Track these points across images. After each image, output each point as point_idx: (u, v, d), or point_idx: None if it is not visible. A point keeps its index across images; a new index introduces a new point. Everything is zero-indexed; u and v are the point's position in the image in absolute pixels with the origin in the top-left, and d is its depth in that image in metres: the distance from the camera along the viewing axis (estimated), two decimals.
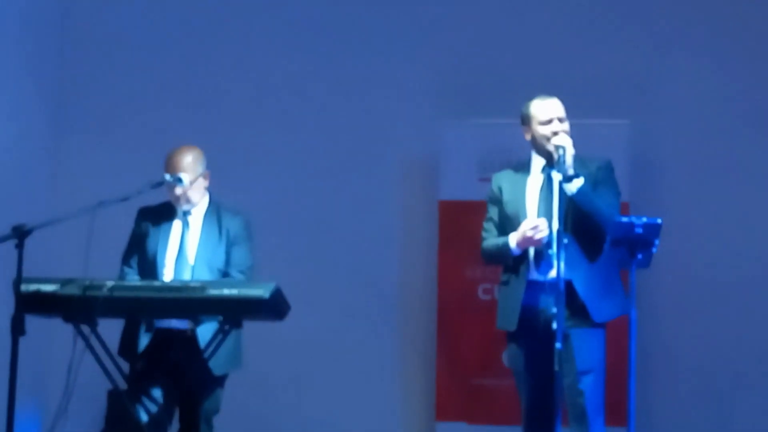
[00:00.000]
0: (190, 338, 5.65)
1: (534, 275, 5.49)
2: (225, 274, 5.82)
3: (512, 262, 5.56)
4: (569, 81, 7.33)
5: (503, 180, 5.72)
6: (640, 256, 5.30)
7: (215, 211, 5.90)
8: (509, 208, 5.62)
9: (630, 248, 5.29)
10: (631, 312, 5.32)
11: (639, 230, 5.25)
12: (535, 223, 5.40)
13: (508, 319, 5.56)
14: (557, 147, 5.44)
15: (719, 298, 7.36)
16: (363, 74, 7.78)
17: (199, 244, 5.83)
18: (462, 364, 7.24)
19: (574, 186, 5.39)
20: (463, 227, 7.22)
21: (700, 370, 7.36)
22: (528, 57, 7.63)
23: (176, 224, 5.87)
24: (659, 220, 5.27)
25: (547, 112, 5.60)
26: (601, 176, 5.53)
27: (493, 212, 5.72)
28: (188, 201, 5.82)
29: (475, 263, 7.19)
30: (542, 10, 7.70)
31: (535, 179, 5.59)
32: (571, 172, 5.38)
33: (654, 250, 5.32)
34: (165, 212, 5.91)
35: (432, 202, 7.47)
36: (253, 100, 7.81)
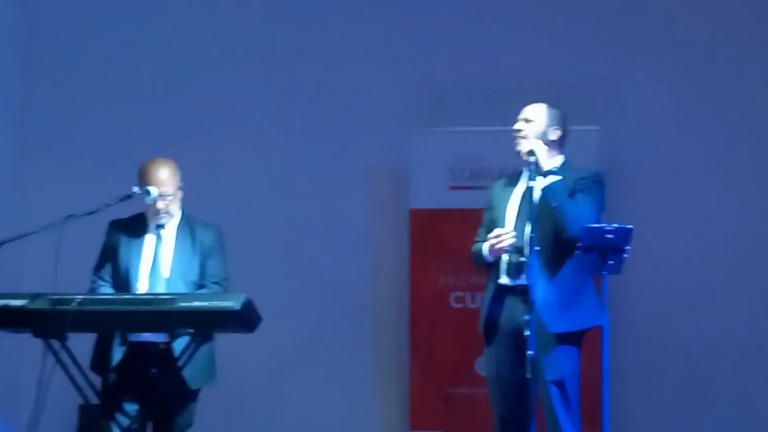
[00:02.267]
0: (164, 352, 5.61)
1: (504, 280, 5.52)
2: (200, 286, 5.80)
3: (490, 268, 5.60)
4: (539, 88, 7.31)
5: (496, 187, 5.81)
6: (611, 262, 5.31)
7: (188, 224, 5.88)
8: (494, 215, 5.67)
9: (601, 254, 5.30)
10: (604, 318, 5.32)
11: (610, 236, 5.25)
12: (499, 232, 5.44)
13: (480, 322, 5.61)
14: (528, 152, 5.47)
15: (691, 303, 7.39)
16: (332, 84, 7.76)
17: (173, 257, 5.81)
18: (436, 373, 7.22)
19: (546, 182, 5.43)
20: (435, 235, 7.24)
21: (674, 375, 7.38)
22: (497, 65, 7.64)
23: (149, 237, 5.84)
24: (630, 226, 5.28)
25: (519, 116, 5.66)
26: (581, 186, 5.54)
27: (485, 218, 5.76)
28: (168, 213, 5.80)
29: (447, 271, 7.22)
30: (511, 18, 7.71)
31: (521, 186, 5.62)
32: (545, 167, 5.42)
33: (625, 255, 5.32)
34: (137, 225, 5.87)
35: (403, 210, 7.45)
36: (222, 112, 7.78)
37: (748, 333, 7.38)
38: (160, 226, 5.82)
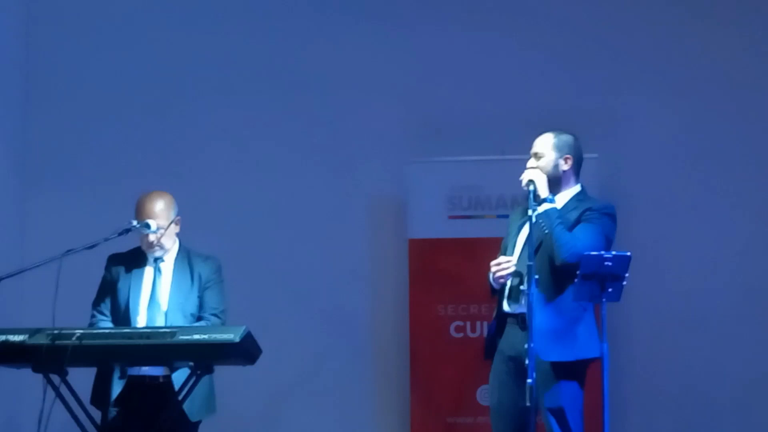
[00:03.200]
0: (164, 385, 5.62)
1: (506, 308, 5.52)
2: (198, 318, 5.82)
3: (495, 295, 5.61)
4: (537, 116, 7.33)
5: (513, 214, 5.82)
6: (610, 290, 5.30)
7: (186, 256, 5.91)
8: (505, 243, 5.69)
9: (600, 282, 5.30)
10: (603, 346, 5.32)
11: (608, 263, 5.25)
12: (499, 260, 5.45)
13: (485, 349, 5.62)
14: (528, 182, 5.49)
15: (691, 331, 7.38)
16: (331, 114, 7.78)
17: (171, 290, 5.83)
18: (436, 403, 7.21)
19: (542, 209, 5.45)
20: (434, 265, 7.24)
21: (675, 404, 7.36)
22: (496, 94, 7.65)
23: (148, 271, 5.86)
24: (628, 254, 5.28)
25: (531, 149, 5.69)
26: (586, 216, 5.52)
27: (502, 246, 5.75)
28: (161, 247, 5.82)
29: (447, 301, 7.22)
30: (508, 48, 7.73)
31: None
32: (543, 195, 5.44)
33: (624, 283, 5.32)
34: (135, 259, 5.90)
35: (402, 240, 7.46)
36: (222, 143, 7.80)
37: (748, 362, 7.37)
38: (159, 259, 5.85)
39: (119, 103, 7.86)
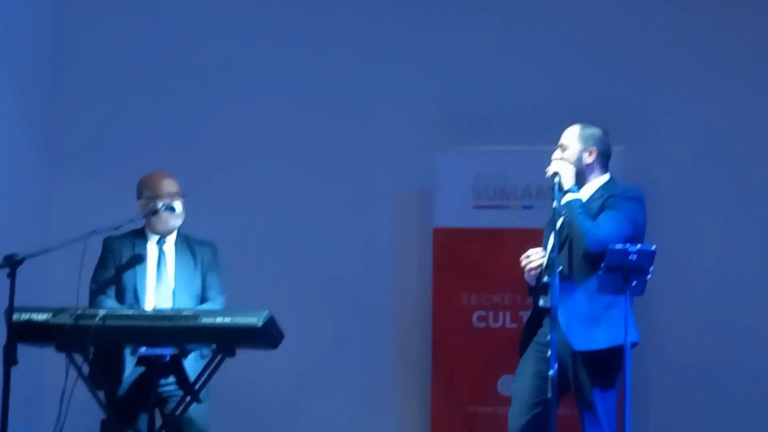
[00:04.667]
0: (172, 365, 5.64)
1: (540, 302, 5.54)
2: (203, 299, 5.94)
3: (533, 293, 5.65)
4: (564, 108, 7.32)
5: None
6: (634, 283, 5.30)
7: (185, 240, 6.04)
8: (543, 239, 5.71)
9: (624, 275, 5.29)
10: (626, 339, 5.31)
11: (633, 257, 5.24)
12: (528, 253, 5.46)
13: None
14: (553, 174, 5.53)
15: (717, 325, 7.34)
16: (358, 103, 7.77)
17: (176, 271, 5.95)
18: (457, 392, 7.20)
19: (565, 199, 5.48)
20: (458, 255, 7.24)
21: (698, 399, 7.32)
22: (522, 85, 7.63)
23: (151, 252, 5.97)
24: (653, 247, 5.27)
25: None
26: (609, 203, 5.54)
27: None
28: (175, 224, 5.97)
29: (470, 290, 7.21)
30: (536, 39, 7.70)
31: None
32: (566, 186, 5.46)
33: (648, 277, 5.31)
34: (135, 240, 6.00)
35: (427, 229, 7.45)
36: (248, 131, 7.79)
37: None
38: (161, 241, 5.96)
39: (144, 89, 7.88)
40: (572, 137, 5.68)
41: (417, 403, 7.45)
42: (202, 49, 7.90)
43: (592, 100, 7.51)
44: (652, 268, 5.29)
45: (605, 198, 5.55)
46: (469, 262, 7.20)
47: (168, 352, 5.53)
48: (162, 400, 5.69)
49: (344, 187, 7.72)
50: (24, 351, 5.24)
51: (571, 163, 5.60)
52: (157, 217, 5.91)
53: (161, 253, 5.95)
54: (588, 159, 5.64)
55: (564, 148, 5.67)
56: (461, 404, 7.19)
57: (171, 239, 6.00)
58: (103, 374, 5.65)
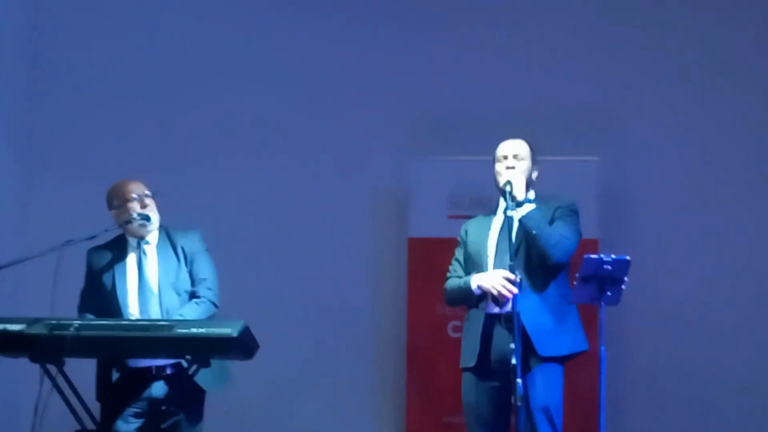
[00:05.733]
0: (164, 376, 5.66)
1: (491, 309, 5.57)
2: (192, 294, 5.87)
3: (471, 300, 5.66)
4: (539, 118, 7.38)
5: (470, 225, 5.90)
6: (609, 293, 5.32)
7: (165, 235, 5.98)
8: (472, 249, 5.76)
9: (599, 285, 5.31)
10: (601, 349, 5.34)
11: (608, 267, 5.27)
12: (505, 276, 5.45)
13: (468, 355, 5.65)
14: (505, 182, 5.57)
15: (689, 335, 7.37)
16: (334, 111, 7.78)
17: (159, 271, 5.89)
18: (433, 402, 7.20)
19: (524, 211, 5.54)
20: (433, 264, 7.18)
21: (672, 407, 7.35)
22: (498, 94, 7.65)
23: (131, 255, 5.93)
24: (627, 257, 5.29)
25: (502, 150, 5.79)
26: (559, 214, 5.65)
27: (458, 254, 5.88)
28: (152, 222, 5.93)
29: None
30: (512, 48, 7.73)
31: (498, 219, 5.69)
32: (521, 198, 5.52)
33: (623, 287, 5.33)
34: (117, 246, 5.97)
35: (401, 239, 7.46)
36: (224, 139, 7.80)
37: (746, 365, 7.36)
38: (143, 241, 5.91)
39: (123, 95, 7.87)
40: (525, 151, 5.76)
41: (392, 413, 7.45)
42: (182, 57, 7.90)
43: (568, 109, 7.55)
44: (626, 279, 5.31)
45: (553, 209, 5.64)
46: (444, 271, 7.18)
47: (157, 362, 5.54)
48: (154, 412, 5.67)
49: (320, 196, 7.72)
50: None
51: (525, 175, 5.65)
52: (131, 226, 5.89)
53: (142, 255, 5.88)
54: (534, 175, 5.76)
55: (519, 159, 5.71)
56: (437, 414, 7.18)
57: (153, 239, 5.94)
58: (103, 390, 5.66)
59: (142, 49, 7.93)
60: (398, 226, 7.54)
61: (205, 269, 5.92)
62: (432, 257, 7.20)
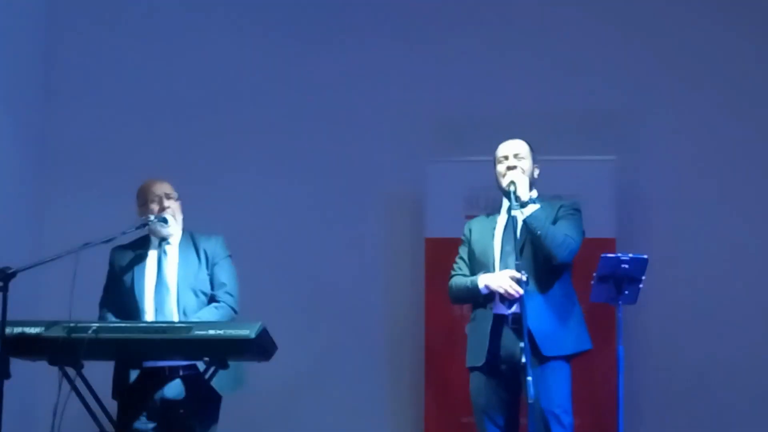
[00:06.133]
0: (177, 377, 5.66)
1: (499, 309, 5.57)
2: (211, 298, 5.88)
3: (478, 300, 5.67)
4: (555, 118, 7.39)
5: (474, 224, 5.92)
6: (626, 292, 5.31)
7: (189, 237, 6.00)
8: (477, 248, 5.77)
9: (616, 284, 5.31)
10: (619, 348, 5.33)
11: (625, 266, 5.27)
12: (513, 276, 5.45)
13: (476, 354, 5.64)
14: (509, 183, 5.58)
15: (707, 333, 7.36)
16: (350, 112, 7.79)
17: (179, 270, 5.90)
18: (450, 403, 7.19)
19: (528, 211, 5.55)
20: (450, 264, 7.21)
21: (689, 406, 7.34)
22: (514, 95, 7.65)
23: (152, 254, 5.95)
24: (645, 256, 5.28)
25: (503, 150, 5.80)
26: (562, 213, 5.66)
27: (463, 252, 5.89)
28: (175, 221, 5.95)
29: None
30: (528, 49, 7.73)
31: (502, 219, 5.72)
32: (525, 198, 5.53)
33: (641, 286, 5.32)
34: (140, 245, 5.99)
35: (419, 239, 7.46)
36: (240, 141, 7.80)
37: (764, 363, 7.34)
38: (165, 241, 5.93)
39: (138, 100, 7.89)
40: (525, 150, 5.78)
41: (410, 414, 7.45)
42: (197, 62, 7.92)
43: (584, 109, 7.55)
44: (644, 277, 5.30)
45: (556, 208, 5.65)
46: None
47: (174, 363, 5.57)
48: (170, 413, 5.69)
49: (337, 197, 7.73)
50: (17, 365, 5.23)
51: (527, 175, 5.65)
52: (151, 226, 5.91)
53: (162, 255, 5.90)
54: (536, 174, 5.77)
55: (521, 159, 5.73)
56: (454, 415, 7.17)
57: (175, 239, 5.96)
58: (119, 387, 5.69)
59: (158, 53, 7.95)
60: (415, 227, 7.55)
61: (225, 275, 5.94)
62: (449, 257, 7.18)
